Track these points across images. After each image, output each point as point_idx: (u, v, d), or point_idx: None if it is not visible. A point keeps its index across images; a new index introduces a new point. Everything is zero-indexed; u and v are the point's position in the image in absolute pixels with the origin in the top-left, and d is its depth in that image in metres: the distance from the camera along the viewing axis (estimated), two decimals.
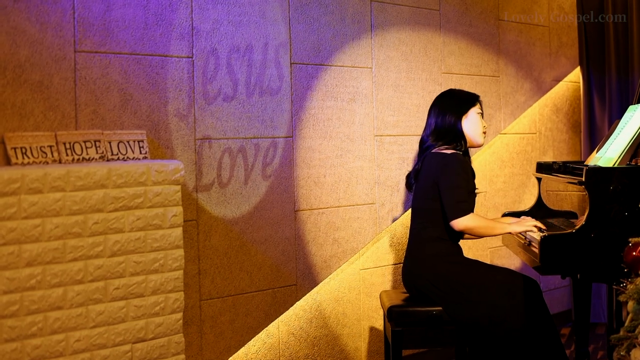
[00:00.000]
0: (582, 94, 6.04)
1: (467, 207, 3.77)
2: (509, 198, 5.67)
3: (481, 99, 4.09)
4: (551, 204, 4.41)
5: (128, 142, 3.56)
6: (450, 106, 3.97)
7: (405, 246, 4.10)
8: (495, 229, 3.90)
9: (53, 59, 3.45)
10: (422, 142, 4.03)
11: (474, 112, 3.98)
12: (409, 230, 4.09)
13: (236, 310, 4.10)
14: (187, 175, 3.90)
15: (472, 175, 3.94)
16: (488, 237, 4.88)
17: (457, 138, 3.94)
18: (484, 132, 4.02)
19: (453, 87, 4.40)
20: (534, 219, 4.02)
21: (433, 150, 3.91)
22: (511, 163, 5.71)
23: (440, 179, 3.79)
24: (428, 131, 4.00)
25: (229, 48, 4.07)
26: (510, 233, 3.98)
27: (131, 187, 3.34)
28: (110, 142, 3.50)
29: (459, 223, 3.74)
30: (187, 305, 3.86)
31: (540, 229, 3.88)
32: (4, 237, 2.98)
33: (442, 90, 4.21)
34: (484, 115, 4.09)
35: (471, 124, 3.96)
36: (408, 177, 4.09)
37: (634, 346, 2.86)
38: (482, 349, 3.69)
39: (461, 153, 3.90)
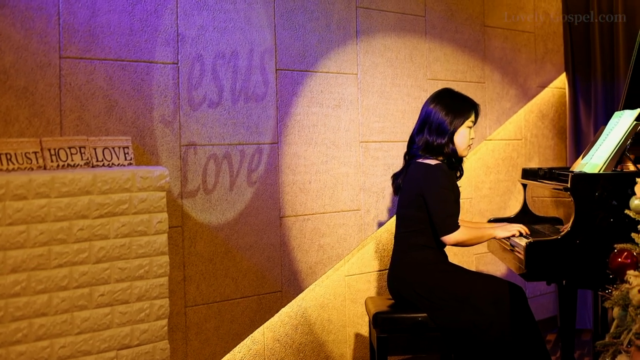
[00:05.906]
0: (567, 100, 6.06)
1: (456, 221, 3.79)
2: (495, 204, 5.68)
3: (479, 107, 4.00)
4: (537, 210, 4.42)
5: (113, 148, 3.54)
6: (446, 116, 3.88)
7: (391, 253, 4.10)
8: (483, 237, 3.95)
9: (38, 65, 3.44)
10: (411, 142, 4.00)
11: (465, 126, 3.93)
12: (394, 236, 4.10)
13: (221, 316, 4.09)
14: (172, 181, 3.89)
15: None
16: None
17: (446, 155, 3.91)
18: (470, 145, 3.99)
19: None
20: (518, 224, 4.02)
21: (418, 160, 3.90)
22: (497, 169, 5.72)
23: (426, 192, 3.79)
24: (418, 134, 3.94)
25: (214, 54, 4.07)
26: (495, 237, 3.98)
27: (116, 194, 3.33)
28: (95, 149, 3.48)
29: (450, 239, 3.78)
30: (172, 311, 3.84)
31: (524, 235, 3.89)
32: None
33: (429, 95, 4.07)
34: (476, 122, 4.02)
35: (460, 137, 3.92)
36: (394, 177, 4.07)
37: (620, 352, 2.87)
38: (468, 355, 3.69)
39: (445, 163, 3.89)
